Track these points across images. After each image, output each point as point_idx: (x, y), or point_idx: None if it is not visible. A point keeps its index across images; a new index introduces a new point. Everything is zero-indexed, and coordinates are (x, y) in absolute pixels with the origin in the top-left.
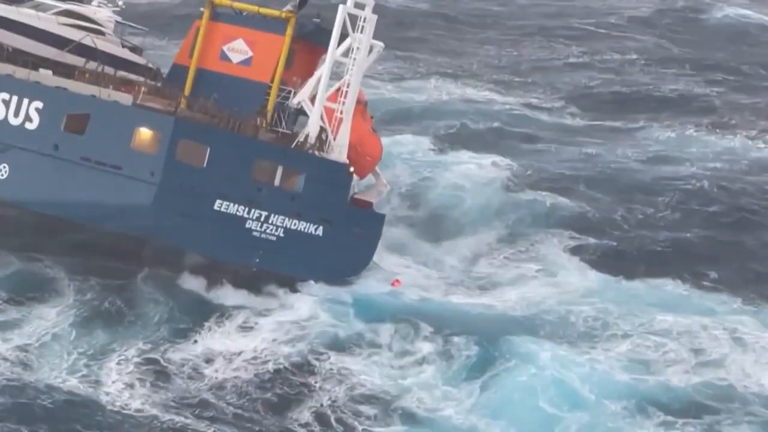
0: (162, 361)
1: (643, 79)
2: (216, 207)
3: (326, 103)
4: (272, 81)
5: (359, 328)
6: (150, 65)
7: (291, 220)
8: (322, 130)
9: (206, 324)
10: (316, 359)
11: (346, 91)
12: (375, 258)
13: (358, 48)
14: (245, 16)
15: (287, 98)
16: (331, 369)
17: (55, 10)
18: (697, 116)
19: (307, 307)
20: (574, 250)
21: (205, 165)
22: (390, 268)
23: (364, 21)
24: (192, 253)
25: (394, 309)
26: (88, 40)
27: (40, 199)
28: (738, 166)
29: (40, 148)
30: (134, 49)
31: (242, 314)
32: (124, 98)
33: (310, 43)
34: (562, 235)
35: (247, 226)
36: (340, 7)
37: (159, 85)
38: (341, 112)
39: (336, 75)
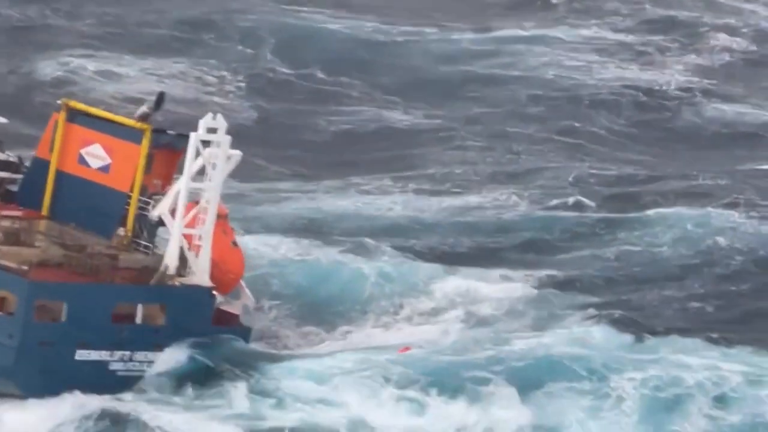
0: None
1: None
2: (78, 357)
3: (185, 231)
4: (131, 190)
5: None
6: (11, 158)
7: (155, 353)
8: (182, 255)
9: None
10: None
11: (205, 210)
12: None
13: (214, 167)
14: (101, 121)
15: (146, 209)
16: None
17: None
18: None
19: None
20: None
21: (63, 320)
22: None
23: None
24: None
25: None
26: None
27: None
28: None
29: None
30: None
31: None
32: None
33: (169, 147)
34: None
35: (111, 368)
36: (192, 135)
37: (15, 225)
38: (200, 238)
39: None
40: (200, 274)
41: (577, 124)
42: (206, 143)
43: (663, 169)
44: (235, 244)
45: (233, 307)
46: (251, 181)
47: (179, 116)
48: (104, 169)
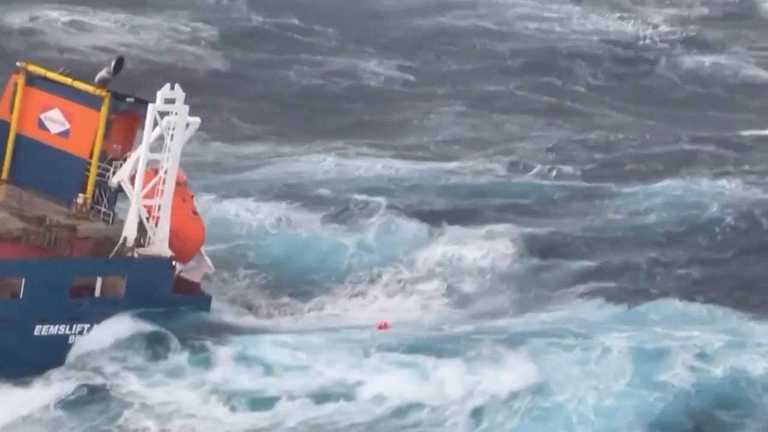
0: None
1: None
2: (36, 333)
3: (143, 201)
4: (91, 156)
5: None
6: None
7: None
8: (141, 225)
9: None
10: None
11: (163, 180)
12: None
13: (172, 137)
14: (60, 85)
15: (106, 175)
16: None
17: None
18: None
19: None
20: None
21: (21, 297)
22: None
23: (176, 114)
24: None
25: None
26: None
27: None
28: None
29: None
30: None
31: None
32: None
33: (128, 112)
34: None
35: (70, 341)
36: (150, 106)
37: None
38: (158, 208)
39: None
40: (159, 244)
41: (557, 81)
42: (164, 114)
43: (643, 132)
44: (194, 212)
45: (193, 275)
46: (226, 141)
47: (153, 66)
48: (63, 134)
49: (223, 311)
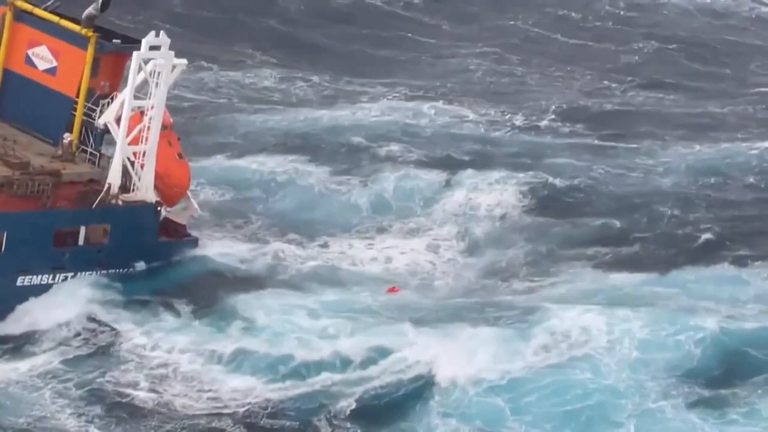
0: None
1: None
2: (19, 284)
3: (129, 148)
4: (78, 96)
5: None
6: None
7: (99, 271)
8: (126, 171)
9: None
10: None
11: (148, 128)
12: None
13: (157, 85)
14: (48, 23)
15: (93, 116)
16: None
17: None
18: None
19: None
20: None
21: (2, 250)
22: None
23: (161, 66)
24: None
25: None
26: None
27: None
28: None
29: None
30: None
31: None
32: None
33: (116, 51)
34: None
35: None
36: (134, 54)
37: None
38: (144, 154)
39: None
40: (144, 190)
41: (587, 30)
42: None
43: (660, 88)
44: (180, 156)
45: (180, 218)
46: (238, 69)
47: None
48: (51, 71)
49: (228, 261)
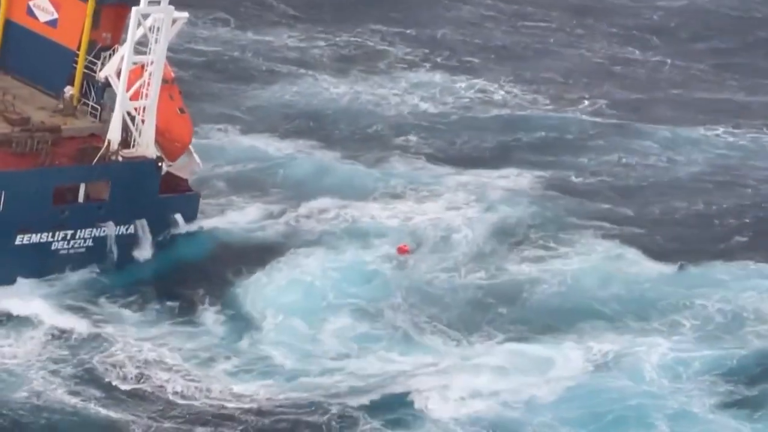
0: None
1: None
2: (18, 242)
3: (129, 104)
4: (79, 48)
5: None
6: None
7: (100, 228)
8: (126, 126)
9: None
10: None
11: (148, 84)
12: None
13: (156, 40)
14: None
15: (94, 69)
16: None
17: None
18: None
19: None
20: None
21: (1, 209)
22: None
23: (160, 20)
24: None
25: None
26: None
27: None
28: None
29: None
30: None
31: None
32: None
33: (117, 3)
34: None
35: (53, 248)
36: (133, 9)
37: None
38: (144, 110)
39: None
40: (145, 146)
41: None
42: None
43: (688, 73)
44: (182, 110)
45: (182, 172)
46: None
47: None
48: (52, 23)
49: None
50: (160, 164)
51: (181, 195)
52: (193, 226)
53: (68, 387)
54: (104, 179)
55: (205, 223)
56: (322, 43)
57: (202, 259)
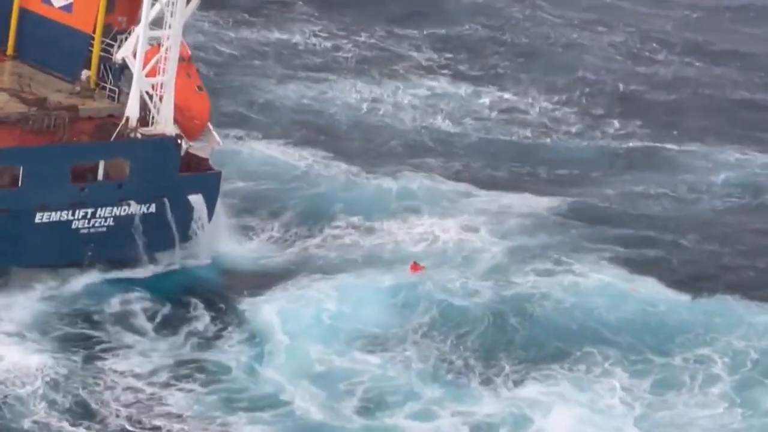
0: None
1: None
2: (37, 221)
3: (146, 81)
4: (95, 31)
5: None
6: None
7: (120, 207)
8: (144, 105)
9: None
10: None
11: (165, 58)
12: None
13: (172, 14)
14: None
15: (110, 51)
16: None
17: None
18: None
19: None
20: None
21: (20, 185)
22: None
23: None
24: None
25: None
26: None
27: None
28: None
29: None
30: None
31: None
32: None
33: None
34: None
35: (74, 227)
36: None
37: None
38: (162, 86)
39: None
40: (164, 123)
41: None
42: None
43: (711, 90)
44: (200, 88)
45: (202, 151)
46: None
47: None
48: (67, 8)
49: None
50: (179, 141)
51: (201, 173)
52: (205, 260)
53: (68, 420)
54: (123, 156)
55: (220, 246)
56: (345, 42)
57: (211, 284)
